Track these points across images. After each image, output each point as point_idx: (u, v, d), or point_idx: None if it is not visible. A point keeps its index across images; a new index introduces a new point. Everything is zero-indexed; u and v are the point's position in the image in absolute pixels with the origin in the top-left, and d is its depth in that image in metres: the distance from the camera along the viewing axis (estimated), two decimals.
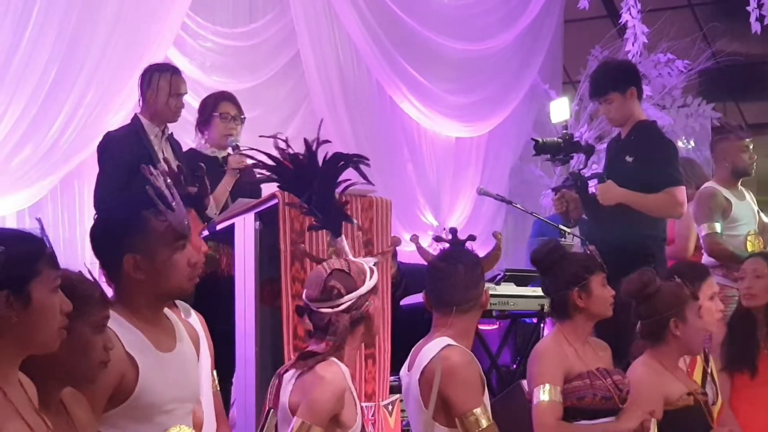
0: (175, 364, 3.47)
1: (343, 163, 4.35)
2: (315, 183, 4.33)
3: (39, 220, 3.02)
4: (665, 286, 5.02)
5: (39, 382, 2.98)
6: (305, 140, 4.44)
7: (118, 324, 3.33)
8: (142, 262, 3.42)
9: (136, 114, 6.49)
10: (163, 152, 6.38)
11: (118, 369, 3.29)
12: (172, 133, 6.52)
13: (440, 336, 4.52)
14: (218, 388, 4.39)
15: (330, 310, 4.09)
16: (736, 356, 5.72)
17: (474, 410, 4.34)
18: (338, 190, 4.38)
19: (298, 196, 4.45)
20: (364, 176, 4.40)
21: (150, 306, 3.47)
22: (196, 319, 4.34)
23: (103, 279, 3.47)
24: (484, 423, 4.32)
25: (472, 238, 4.86)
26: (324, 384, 4.04)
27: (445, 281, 4.60)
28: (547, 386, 4.65)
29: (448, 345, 4.49)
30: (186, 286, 3.53)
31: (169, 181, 3.56)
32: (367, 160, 4.38)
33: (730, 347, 5.74)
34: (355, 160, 4.39)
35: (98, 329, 3.10)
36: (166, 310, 3.60)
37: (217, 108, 6.72)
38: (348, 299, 4.12)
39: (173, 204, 3.45)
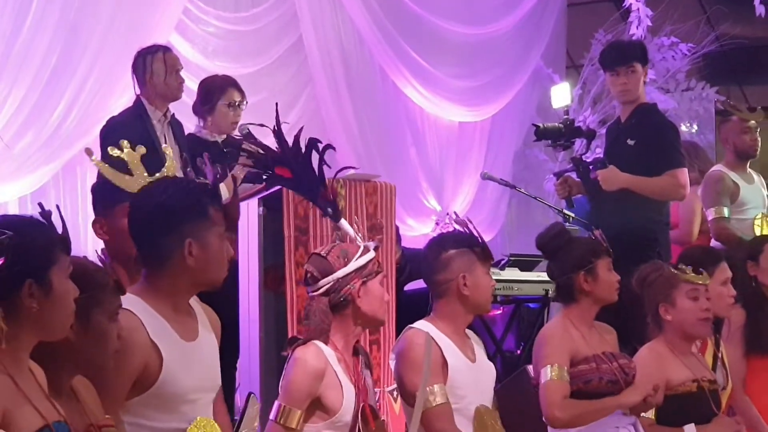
0: (198, 353, 3.46)
1: (314, 149, 4.32)
2: (295, 170, 4.30)
3: (41, 205, 2.99)
4: (661, 274, 5.01)
5: (51, 369, 2.99)
6: (275, 130, 4.39)
7: (144, 311, 3.34)
8: (197, 248, 3.41)
9: (138, 96, 6.46)
10: (165, 138, 6.36)
11: (142, 357, 3.30)
12: (174, 114, 6.50)
13: (425, 320, 4.51)
14: None
15: (311, 294, 4.14)
16: (756, 339, 5.70)
17: (417, 393, 4.29)
18: (332, 176, 4.38)
19: (285, 186, 4.46)
20: (324, 162, 4.36)
21: (183, 294, 3.47)
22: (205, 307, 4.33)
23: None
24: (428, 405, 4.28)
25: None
26: (298, 365, 4.07)
27: (421, 265, 4.57)
28: (555, 366, 4.64)
29: (411, 328, 4.49)
30: (222, 276, 3.53)
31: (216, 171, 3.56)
32: (333, 148, 4.34)
33: (752, 331, 5.72)
34: (323, 147, 4.35)
35: (113, 318, 3.11)
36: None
37: (224, 96, 6.70)
38: (324, 283, 4.14)
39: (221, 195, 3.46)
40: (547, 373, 4.65)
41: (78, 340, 3.00)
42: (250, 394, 3.69)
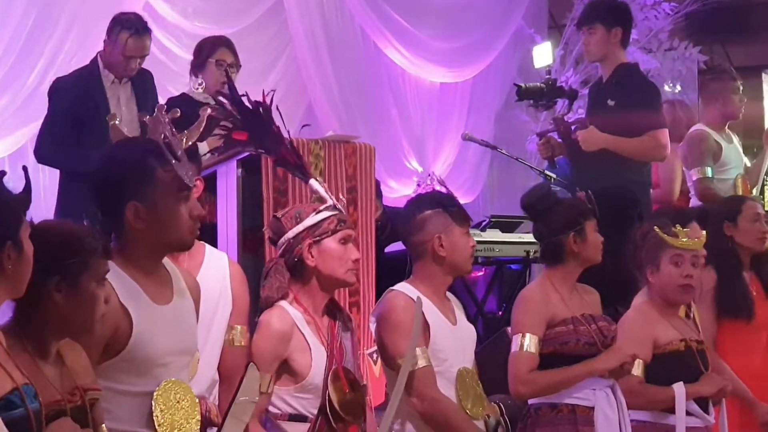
0: (171, 316, 3.43)
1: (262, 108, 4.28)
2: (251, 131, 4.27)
3: (25, 169, 3.00)
4: (652, 236, 5.00)
5: (37, 332, 3.02)
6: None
7: (114, 274, 3.30)
8: (144, 211, 3.37)
9: (97, 54, 6.41)
10: (119, 98, 6.30)
11: (112, 320, 3.28)
12: (151, 75, 6.44)
13: (406, 282, 4.50)
14: (244, 344, 4.30)
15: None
16: (731, 302, 5.69)
17: (398, 356, 4.29)
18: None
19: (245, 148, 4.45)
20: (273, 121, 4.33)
21: (149, 257, 3.43)
22: (223, 270, 4.30)
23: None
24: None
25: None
26: (261, 328, 4.09)
27: (398, 227, 4.59)
28: (526, 336, 4.62)
29: (392, 290, 4.48)
30: (187, 238, 3.48)
31: (171, 128, 3.51)
32: (279, 112, 4.30)
33: (724, 294, 5.71)
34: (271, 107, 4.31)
35: (101, 282, 3.10)
36: (166, 262, 3.55)
37: (214, 54, 6.68)
38: (280, 244, 4.15)
39: (179, 154, 3.40)
40: (517, 344, 4.63)
41: (66, 304, 3.01)
42: (249, 362, 3.67)
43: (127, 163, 3.42)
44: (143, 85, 6.51)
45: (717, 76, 7.61)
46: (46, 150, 6.31)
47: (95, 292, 3.07)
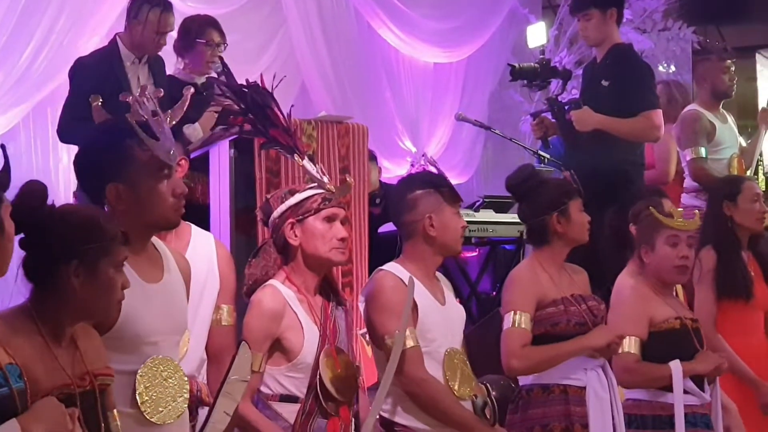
0: (161, 295, 3.43)
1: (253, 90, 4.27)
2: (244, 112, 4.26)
3: (2, 147, 2.97)
4: (649, 215, 5.00)
5: (53, 316, 3.02)
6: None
7: None
8: (124, 191, 3.37)
9: (116, 35, 6.41)
10: (138, 78, 6.31)
11: None
12: (162, 59, 6.45)
13: (395, 261, 4.50)
14: (231, 323, 4.32)
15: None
16: (731, 282, 5.69)
17: (386, 336, 4.30)
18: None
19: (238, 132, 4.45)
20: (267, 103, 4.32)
21: (135, 237, 3.41)
22: (210, 250, 4.30)
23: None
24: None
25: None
26: (253, 307, 4.10)
27: (389, 204, 4.58)
28: (518, 313, 4.62)
29: (380, 270, 4.47)
30: (171, 216, 3.47)
31: (155, 107, 3.50)
32: (272, 95, 4.28)
33: (724, 274, 5.71)
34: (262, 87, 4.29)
35: (119, 268, 3.10)
36: (157, 242, 3.55)
37: (203, 35, 6.66)
38: (270, 223, 4.15)
39: (159, 132, 3.39)
40: (509, 321, 4.63)
41: (83, 289, 3.01)
42: (241, 340, 3.67)
43: (105, 144, 3.42)
44: (158, 68, 6.52)
45: (705, 57, 7.60)
46: (69, 129, 6.30)
47: (113, 278, 3.07)
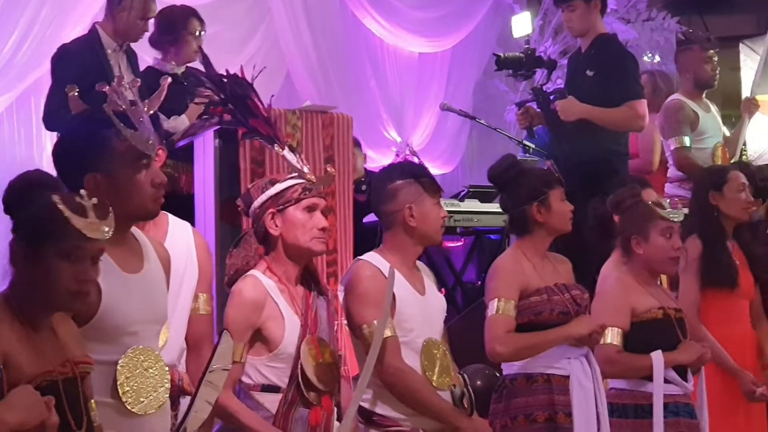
0: (141, 285, 3.42)
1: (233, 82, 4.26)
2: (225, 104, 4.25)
3: None
4: (639, 204, 5.01)
5: (28, 304, 3.02)
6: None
7: None
8: (103, 182, 3.35)
9: (95, 24, 6.41)
10: (119, 66, 6.31)
11: None
12: (129, 44, 6.45)
13: (374, 251, 4.51)
14: (209, 312, 4.30)
15: None
16: (716, 272, 5.71)
17: (364, 325, 4.31)
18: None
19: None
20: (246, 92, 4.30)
21: (116, 227, 3.40)
22: (188, 239, 4.30)
23: None
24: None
25: None
26: (234, 297, 4.11)
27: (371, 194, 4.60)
28: (502, 300, 4.62)
29: (359, 260, 4.49)
30: (150, 206, 3.47)
31: (133, 97, 3.49)
32: (252, 85, 4.28)
33: (710, 263, 5.72)
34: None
35: (65, 257, 3.03)
36: (137, 232, 3.54)
37: (188, 26, 6.66)
38: (250, 213, 4.15)
39: (137, 122, 3.38)
40: (493, 308, 4.63)
41: (29, 277, 3.01)
42: (223, 330, 3.67)
43: (83, 135, 3.42)
44: (134, 58, 6.53)
45: (687, 47, 7.62)
46: (55, 117, 6.29)
47: (58, 267, 3.02)
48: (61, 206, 2.95)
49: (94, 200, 3.03)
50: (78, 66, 6.15)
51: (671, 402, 4.85)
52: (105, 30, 6.37)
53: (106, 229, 3.04)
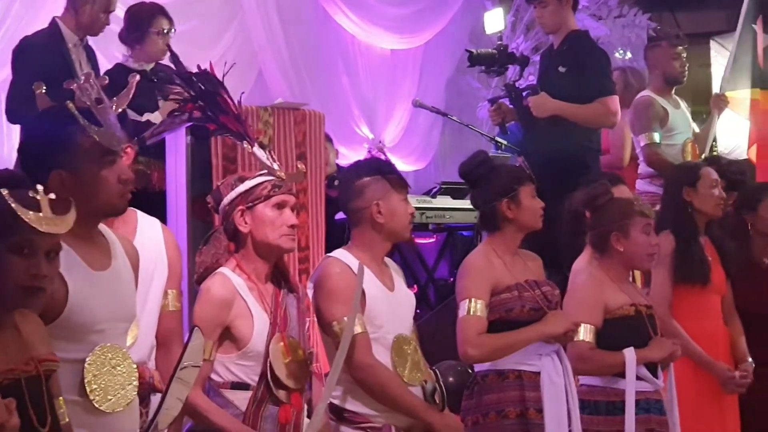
0: (108, 282, 3.40)
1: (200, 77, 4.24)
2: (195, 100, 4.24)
3: None
4: (615, 201, 5.02)
5: None
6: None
7: None
8: (68, 179, 3.34)
9: (54, 18, 6.38)
10: (80, 62, 6.29)
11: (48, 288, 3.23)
12: (88, 39, 6.44)
13: (343, 248, 4.51)
14: (178, 308, 4.32)
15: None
16: (689, 268, 5.72)
17: (334, 322, 4.31)
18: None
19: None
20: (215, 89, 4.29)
21: (81, 224, 3.37)
22: (157, 235, 4.29)
23: None
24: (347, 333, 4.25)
25: None
26: (202, 295, 4.11)
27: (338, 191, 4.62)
28: (472, 300, 4.62)
29: (329, 256, 4.50)
30: (117, 202, 3.44)
31: (99, 94, 3.48)
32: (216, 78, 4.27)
33: (683, 259, 5.74)
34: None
35: (17, 251, 3.01)
36: (104, 229, 3.52)
37: (153, 24, 6.62)
38: (220, 210, 4.17)
39: (102, 118, 3.37)
40: (464, 308, 4.63)
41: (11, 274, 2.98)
42: (194, 326, 3.66)
43: (47, 132, 3.40)
44: (92, 53, 6.51)
45: (656, 44, 7.65)
46: (17, 109, 6.26)
47: (7, 259, 3.00)
48: (9, 200, 2.92)
49: (52, 195, 3.01)
50: (40, 59, 6.14)
51: (642, 399, 4.86)
52: (66, 24, 6.35)
53: (62, 223, 3.02)
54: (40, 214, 2.97)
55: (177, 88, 4.24)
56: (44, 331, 3.13)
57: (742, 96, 7.93)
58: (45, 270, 3.03)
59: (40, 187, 3.01)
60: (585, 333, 4.86)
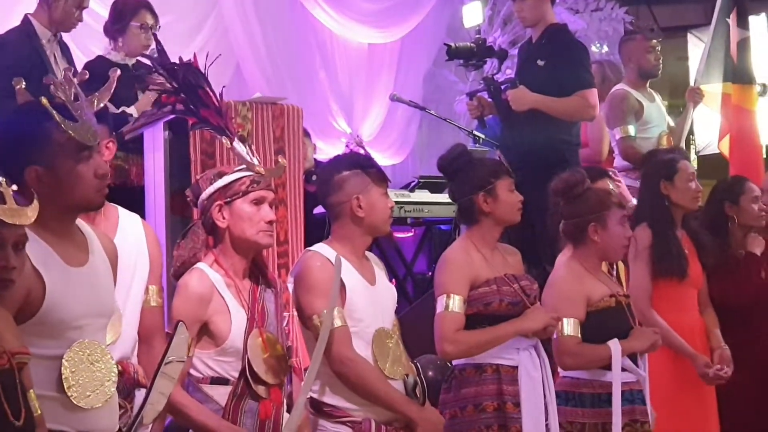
0: (86, 279, 3.39)
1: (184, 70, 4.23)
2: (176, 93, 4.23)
3: None
4: (592, 190, 5.03)
5: None
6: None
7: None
8: (44, 174, 3.33)
9: (27, 15, 6.36)
10: (54, 56, 6.27)
11: (25, 284, 3.22)
12: (61, 35, 6.41)
13: (324, 242, 4.51)
14: (160, 303, 4.34)
15: None
16: (667, 261, 5.74)
17: (314, 315, 4.31)
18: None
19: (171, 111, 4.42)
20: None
21: (58, 220, 3.38)
22: (139, 231, 4.28)
23: None
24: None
25: None
26: (180, 291, 4.10)
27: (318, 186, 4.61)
28: (450, 296, 4.63)
29: (308, 251, 4.50)
30: (94, 197, 3.43)
31: (76, 90, 3.46)
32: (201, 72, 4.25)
33: (661, 253, 5.76)
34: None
35: (18, 249, 3.03)
36: (82, 224, 3.52)
37: (136, 17, 6.60)
38: (198, 205, 4.17)
39: (78, 113, 3.36)
40: (441, 304, 4.64)
41: None
42: (178, 321, 3.66)
43: (22, 127, 3.39)
44: (66, 48, 6.48)
45: (630, 37, 7.70)
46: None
47: (6, 254, 3.02)
48: None
49: (14, 187, 3.00)
50: (16, 54, 6.11)
51: (626, 390, 4.88)
52: (39, 20, 6.33)
53: (26, 214, 3.01)
54: (5, 205, 2.98)
55: (159, 79, 4.23)
56: (14, 323, 3.12)
57: (714, 90, 7.96)
58: (13, 262, 3.04)
59: (1, 179, 3.01)
60: (570, 328, 4.86)
